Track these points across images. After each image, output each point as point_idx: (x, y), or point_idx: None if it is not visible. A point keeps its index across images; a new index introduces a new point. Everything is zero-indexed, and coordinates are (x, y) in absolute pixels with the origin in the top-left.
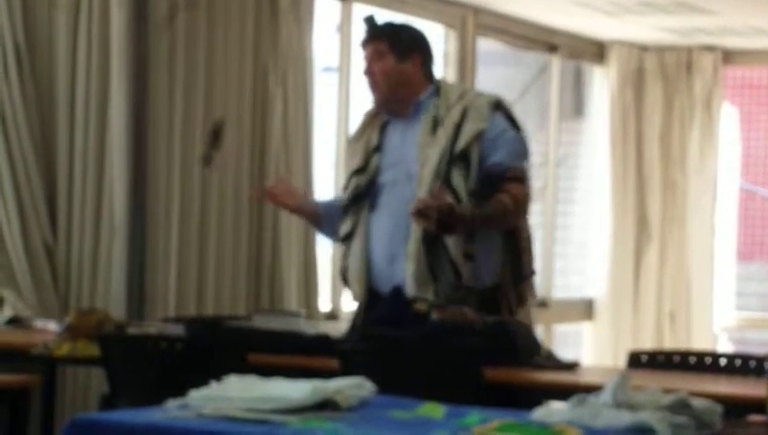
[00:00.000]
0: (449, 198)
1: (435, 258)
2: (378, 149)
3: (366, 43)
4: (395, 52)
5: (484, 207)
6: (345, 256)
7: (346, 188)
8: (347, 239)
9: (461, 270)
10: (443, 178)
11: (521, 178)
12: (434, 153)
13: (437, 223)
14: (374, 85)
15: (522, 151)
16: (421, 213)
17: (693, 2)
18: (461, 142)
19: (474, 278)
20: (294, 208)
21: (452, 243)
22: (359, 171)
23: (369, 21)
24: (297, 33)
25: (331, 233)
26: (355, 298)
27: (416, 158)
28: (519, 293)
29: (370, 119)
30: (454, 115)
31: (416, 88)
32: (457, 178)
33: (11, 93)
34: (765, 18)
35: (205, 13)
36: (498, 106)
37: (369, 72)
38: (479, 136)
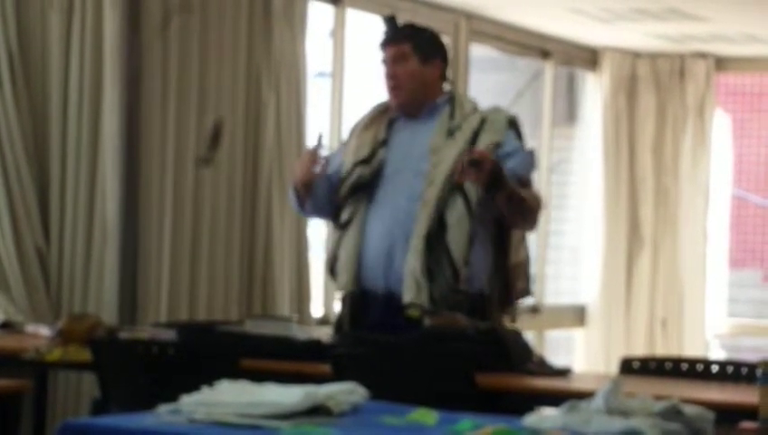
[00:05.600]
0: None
1: (435, 257)
2: (385, 143)
3: (387, 44)
4: (418, 54)
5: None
6: (337, 245)
7: (349, 175)
8: (343, 228)
9: (460, 272)
10: (456, 181)
11: (530, 186)
12: (450, 154)
13: (488, 176)
14: (396, 88)
15: (533, 165)
16: (475, 163)
17: (686, 9)
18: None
19: (468, 282)
20: (311, 181)
21: (455, 245)
22: (364, 162)
23: (391, 21)
24: (290, 38)
25: (312, 209)
26: (340, 287)
27: (425, 156)
28: (504, 308)
29: (378, 114)
30: (473, 122)
31: (433, 92)
32: (469, 184)
33: (3, 100)
34: (758, 25)
35: (198, 18)
36: (513, 124)
37: (392, 74)
38: (494, 148)
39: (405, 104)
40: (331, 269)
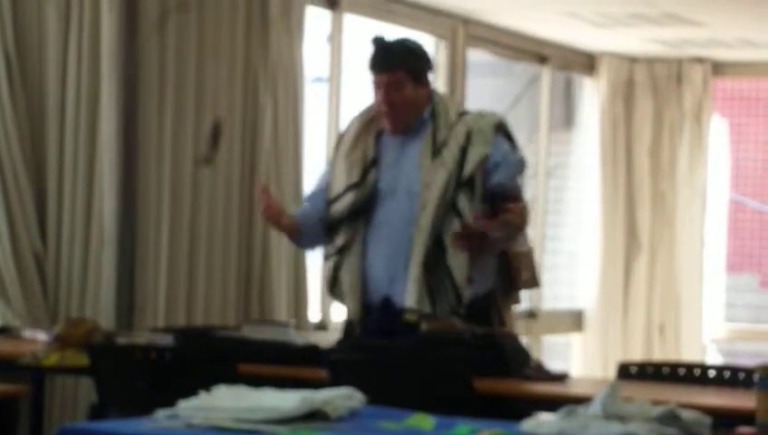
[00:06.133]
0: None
1: (437, 280)
2: (374, 162)
3: (381, 71)
4: (412, 79)
5: (498, 228)
6: (337, 269)
7: (338, 199)
8: (341, 252)
9: (463, 293)
10: (449, 201)
11: (519, 197)
12: (440, 176)
13: (478, 244)
14: (394, 114)
15: (521, 171)
16: (464, 237)
17: (683, 14)
18: (468, 168)
19: (471, 298)
20: (284, 227)
21: (457, 269)
22: (356, 185)
23: (380, 44)
24: (287, 42)
25: (309, 244)
26: (350, 314)
27: (417, 176)
28: (509, 303)
29: (364, 126)
30: (459, 137)
31: (423, 107)
32: (463, 203)
33: (0, 99)
34: (755, 30)
35: (195, 19)
36: (500, 128)
37: (388, 102)
38: (484, 160)
39: (400, 128)
40: (332, 291)
